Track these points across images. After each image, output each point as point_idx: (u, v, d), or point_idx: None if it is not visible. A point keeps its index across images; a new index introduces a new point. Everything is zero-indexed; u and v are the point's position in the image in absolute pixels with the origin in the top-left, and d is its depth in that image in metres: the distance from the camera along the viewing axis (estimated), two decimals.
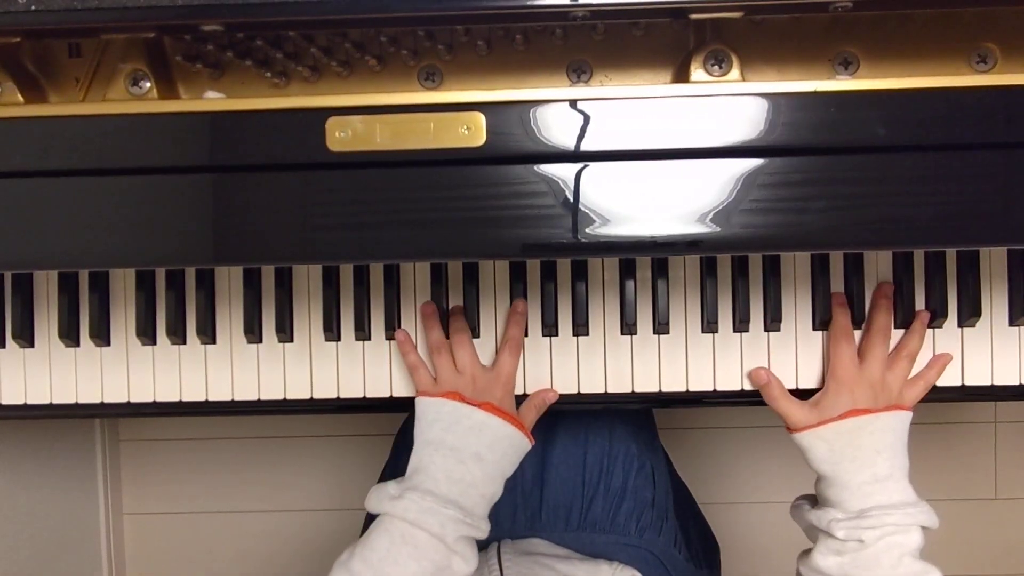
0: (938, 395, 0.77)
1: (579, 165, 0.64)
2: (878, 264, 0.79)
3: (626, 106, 0.64)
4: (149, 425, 1.58)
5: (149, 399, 0.81)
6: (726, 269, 0.78)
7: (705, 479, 1.54)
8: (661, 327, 0.78)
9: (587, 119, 0.64)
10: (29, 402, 0.81)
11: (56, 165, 0.66)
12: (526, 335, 0.79)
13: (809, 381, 0.78)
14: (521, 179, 0.65)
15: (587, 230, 0.64)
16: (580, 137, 0.64)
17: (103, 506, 1.51)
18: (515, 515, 0.86)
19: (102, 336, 0.80)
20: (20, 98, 0.71)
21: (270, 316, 0.80)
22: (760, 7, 0.66)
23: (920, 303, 0.78)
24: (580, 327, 0.78)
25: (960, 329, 0.78)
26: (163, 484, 1.58)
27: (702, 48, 0.70)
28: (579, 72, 0.74)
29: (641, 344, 0.79)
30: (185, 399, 0.81)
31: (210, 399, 0.81)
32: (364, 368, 0.80)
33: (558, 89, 0.71)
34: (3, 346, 0.81)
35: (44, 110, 0.71)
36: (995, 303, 0.78)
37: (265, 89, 0.74)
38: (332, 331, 0.79)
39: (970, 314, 0.77)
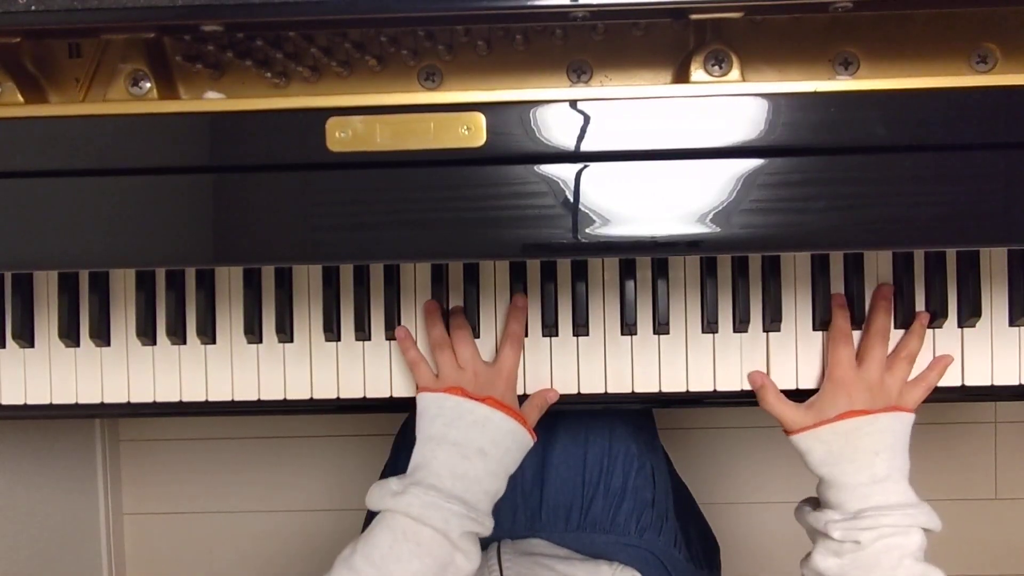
0: (938, 395, 0.77)
1: (579, 165, 0.64)
2: (878, 264, 0.79)
3: (626, 106, 0.64)
4: (149, 425, 1.58)
5: (149, 399, 0.81)
6: (726, 269, 0.78)
7: (705, 479, 1.54)
8: (661, 327, 0.78)
9: (587, 119, 0.64)
10: (29, 402, 0.81)
11: (56, 165, 0.66)
12: (526, 335, 0.79)
13: (809, 381, 0.78)
14: (521, 179, 0.65)
15: (587, 230, 0.64)
16: (580, 137, 0.64)
17: (103, 506, 1.51)
18: (515, 515, 0.86)
19: (102, 336, 0.80)
20: (20, 98, 0.71)
21: (270, 316, 0.80)
22: (760, 7, 0.66)
23: (920, 303, 0.78)
24: (580, 327, 0.78)
25: (960, 329, 0.78)
26: (163, 484, 1.58)
27: (702, 48, 0.70)
28: (579, 72, 0.74)
29: (641, 344, 0.79)
30: (185, 399, 0.81)
31: (210, 399, 0.81)
32: (364, 368, 0.80)
33: (558, 89, 0.71)
34: (3, 346, 0.81)
35: (44, 110, 0.71)
36: (995, 303, 0.78)
37: (265, 89, 0.74)
38: (332, 331, 0.79)
39: (970, 314, 0.77)
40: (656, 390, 0.79)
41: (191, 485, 1.58)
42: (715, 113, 0.64)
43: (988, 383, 0.78)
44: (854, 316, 0.77)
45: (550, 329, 0.79)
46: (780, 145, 0.64)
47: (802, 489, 0.80)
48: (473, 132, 0.64)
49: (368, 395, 0.80)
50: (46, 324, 0.81)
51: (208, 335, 0.80)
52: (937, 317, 0.77)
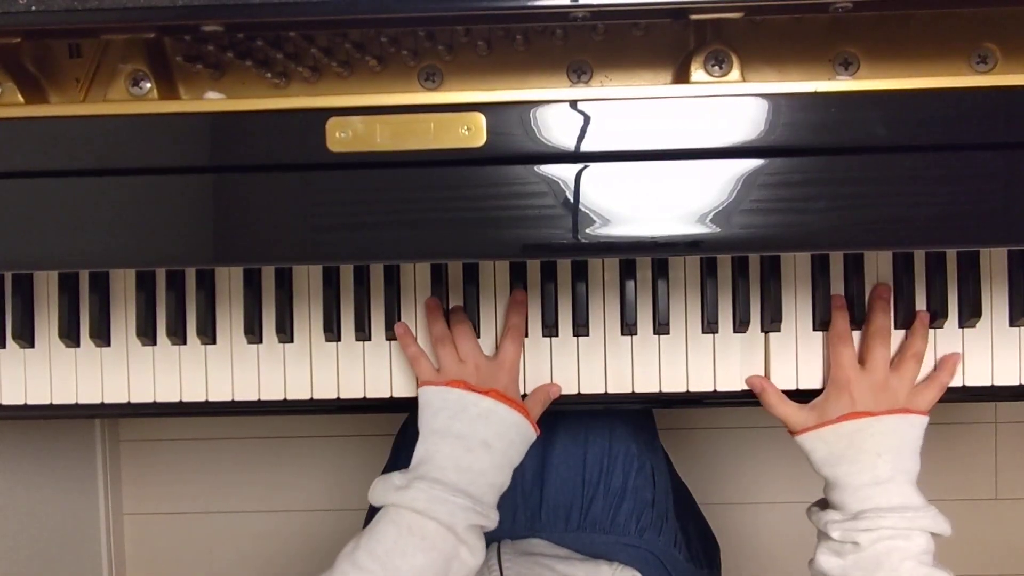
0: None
1: (579, 165, 0.64)
2: (878, 264, 0.78)
3: (626, 107, 0.64)
4: (149, 425, 1.58)
5: (149, 399, 0.81)
6: (726, 269, 0.78)
7: (705, 479, 1.54)
8: (661, 327, 0.78)
9: (587, 120, 0.64)
10: (29, 402, 0.81)
11: (56, 165, 0.66)
12: (526, 335, 0.79)
13: (809, 381, 0.78)
14: (521, 179, 0.65)
15: (587, 230, 0.64)
16: (580, 137, 0.64)
17: (103, 506, 1.51)
18: (515, 515, 0.86)
19: (102, 336, 0.80)
20: (20, 98, 0.71)
21: (270, 316, 0.80)
22: (760, 7, 0.66)
23: (920, 304, 0.78)
24: (580, 327, 0.78)
25: (961, 330, 0.78)
26: (163, 484, 1.58)
27: (702, 48, 0.70)
28: (579, 72, 0.74)
29: (641, 344, 0.79)
30: (185, 399, 0.81)
31: (210, 399, 0.81)
32: (364, 368, 0.80)
33: (558, 90, 0.71)
34: (3, 346, 0.81)
35: (44, 110, 0.71)
36: (995, 303, 0.78)
37: (265, 89, 0.74)
38: (332, 331, 0.79)
39: (970, 314, 0.77)
40: (656, 390, 0.79)
41: (191, 485, 1.58)
42: (715, 113, 0.64)
43: (988, 383, 0.78)
44: (854, 317, 0.77)
45: (550, 329, 0.79)
46: (780, 145, 0.64)
47: (802, 489, 0.81)
48: (473, 132, 0.64)
49: (368, 395, 0.80)
50: (46, 324, 0.81)
51: (208, 335, 0.80)
52: (937, 317, 0.77)
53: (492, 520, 0.71)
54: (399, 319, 0.80)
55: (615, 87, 0.73)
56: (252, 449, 1.58)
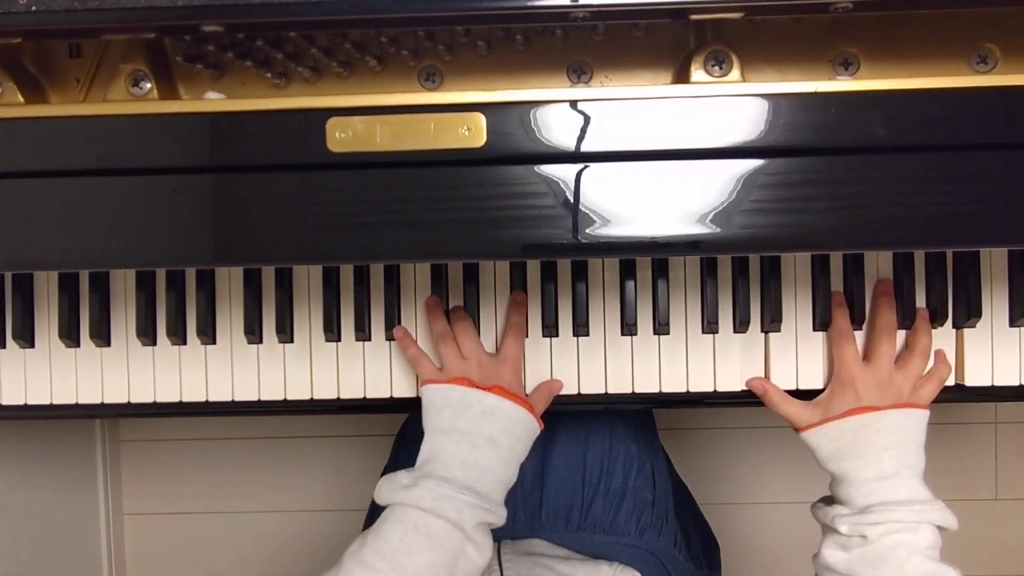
0: (939, 395, 0.77)
1: (579, 166, 0.64)
2: (878, 264, 0.78)
3: (626, 107, 0.64)
4: (149, 425, 1.58)
5: (149, 399, 0.81)
6: (726, 269, 0.78)
7: (705, 479, 1.54)
8: (661, 327, 0.78)
9: (587, 120, 0.64)
10: (29, 402, 0.81)
11: (57, 165, 0.66)
12: (526, 336, 0.79)
13: (810, 381, 0.78)
14: (521, 180, 0.65)
15: (587, 231, 0.64)
16: (580, 138, 0.64)
17: (103, 506, 1.51)
18: (515, 515, 0.86)
19: (102, 336, 0.80)
20: (20, 98, 0.71)
21: (270, 316, 0.80)
22: (760, 7, 0.66)
23: (920, 304, 0.78)
24: (580, 327, 0.78)
25: (961, 330, 0.78)
26: (163, 484, 1.58)
27: (702, 48, 0.70)
28: (579, 72, 0.74)
29: (641, 344, 0.79)
30: (185, 399, 0.81)
31: (210, 399, 0.81)
32: (364, 368, 0.80)
33: (558, 90, 0.71)
34: (3, 346, 0.81)
35: (45, 111, 0.71)
36: (995, 304, 0.78)
37: (265, 89, 0.74)
38: (332, 331, 0.79)
39: (970, 315, 0.77)
40: (656, 390, 0.79)
41: (191, 485, 1.58)
42: (715, 113, 0.64)
43: (988, 383, 0.78)
44: (854, 316, 0.77)
45: (550, 329, 0.79)
46: (780, 145, 0.64)
47: (802, 489, 0.81)
48: (473, 132, 0.64)
49: (368, 395, 0.80)
50: (46, 324, 0.81)
51: (208, 335, 0.80)
52: (937, 317, 0.77)
53: (500, 517, 0.71)
54: (399, 319, 0.80)
55: (615, 87, 0.73)
56: (252, 449, 1.58)
